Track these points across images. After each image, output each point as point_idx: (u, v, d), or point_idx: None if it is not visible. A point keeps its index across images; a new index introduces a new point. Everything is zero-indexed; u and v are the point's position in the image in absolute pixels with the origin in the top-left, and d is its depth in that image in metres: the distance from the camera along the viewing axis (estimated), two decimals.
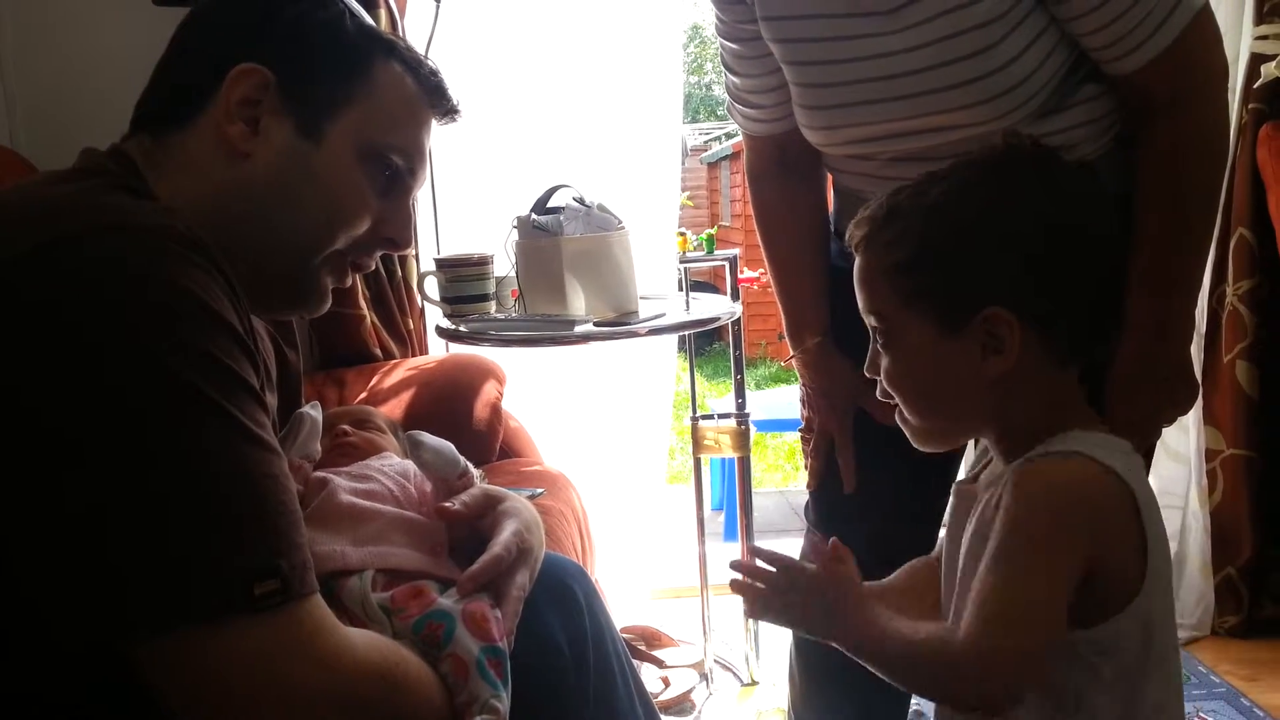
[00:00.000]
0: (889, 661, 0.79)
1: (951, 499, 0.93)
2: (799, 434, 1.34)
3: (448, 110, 0.93)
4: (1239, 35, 2.05)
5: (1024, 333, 0.81)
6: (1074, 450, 0.81)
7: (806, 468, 1.33)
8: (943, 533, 0.95)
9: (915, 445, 0.91)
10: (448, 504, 0.92)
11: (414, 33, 1.97)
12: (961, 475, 0.99)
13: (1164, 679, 0.83)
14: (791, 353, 1.29)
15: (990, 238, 0.82)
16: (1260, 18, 2.02)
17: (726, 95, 1.27)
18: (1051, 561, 0.77)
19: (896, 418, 0.91)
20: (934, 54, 1.02)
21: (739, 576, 0.84)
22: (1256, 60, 2.02)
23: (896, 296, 0.85)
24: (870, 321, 0.89)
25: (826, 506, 1.31)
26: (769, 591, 0.82)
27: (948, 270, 0.83)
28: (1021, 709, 0.79)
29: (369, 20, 0.90)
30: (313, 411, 1.00)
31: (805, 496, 1.34)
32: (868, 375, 0.91)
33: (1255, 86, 2.02)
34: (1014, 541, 0.77)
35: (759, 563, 0.84)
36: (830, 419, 1.26)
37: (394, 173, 0.88)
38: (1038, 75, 1.03)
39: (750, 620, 2.05)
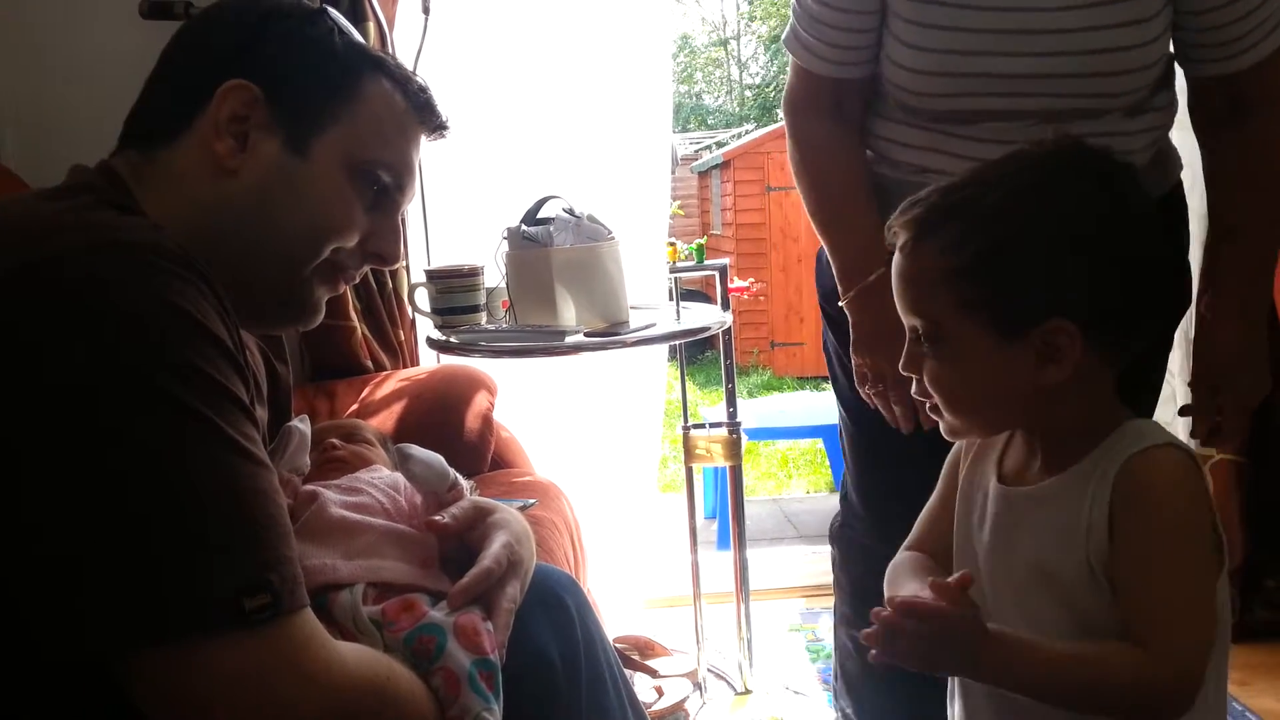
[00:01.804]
0: (1043, 686, 0.78)
1: (994, 501, 0.91)
2: (865, 391, 1.25)
3: (436, 126, 0.93)
4: None
5: (1084, 342, 0.81)
6: (1164, 441, 0.81)
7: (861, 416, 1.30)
8: (970, 530, 0.93)
9: (948, 437, 0.91)
10: (438, 517, 0.92)
11: (403, 46, 1.97)
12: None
13: (1224, 642, 0.85)
14: (845, 296, 1.24)
15: (1056, 247, 0.80)
16: None
17: (793, 28, 1.20)
18: (1204, 553, 0.78)
19: (928, 411, 0.91)
20: (1086, 16, 1.04)
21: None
22: None
23: (952, 302, 0.83)
24: (914, 323, 0.86)
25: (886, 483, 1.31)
26: (910, 639, 0.78)
27: (1010, 279, 0.81)
28: None
29: (358, 37, 0.90)
30: (301, 425, 1.00)
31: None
32: (904, 373, 0.90)
33: None
34: (1171, 546, 0.78)
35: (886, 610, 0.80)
36: (892, 361, 1.19)
37: (382, 189, 0.89)
38: (1156, 67, 1.08)
39: (743, 628, 2.05)
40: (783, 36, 1.24)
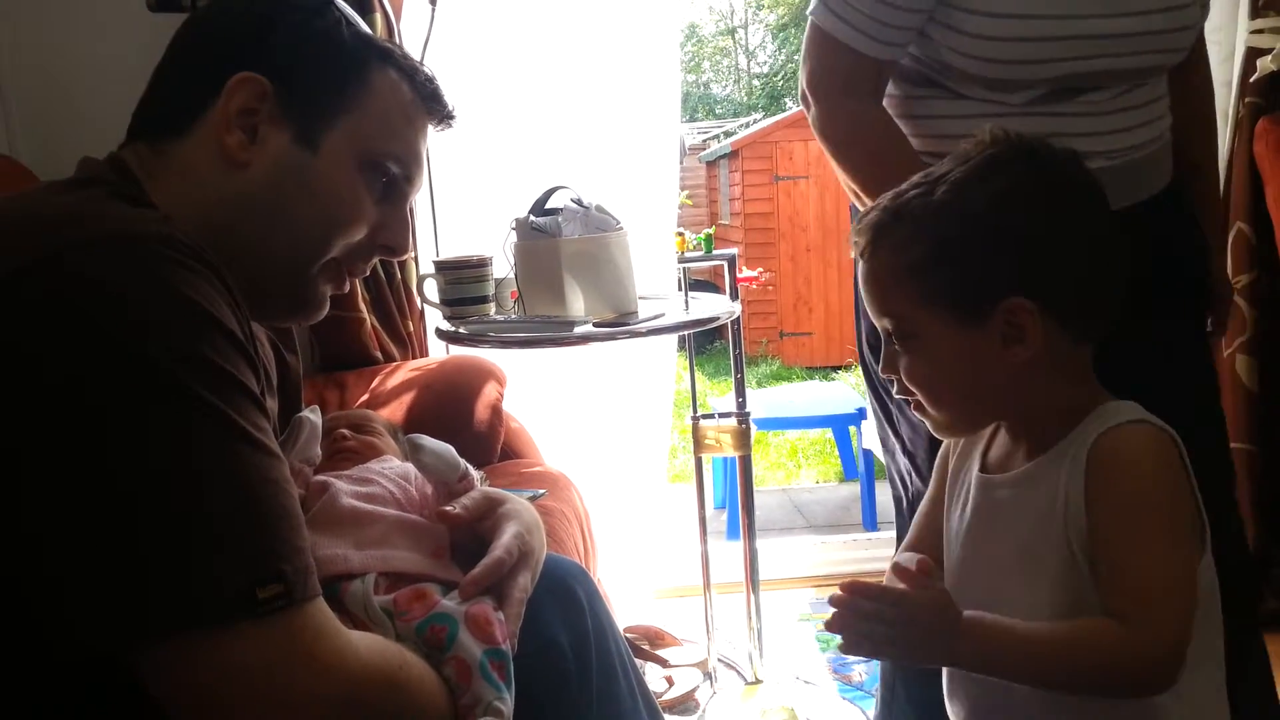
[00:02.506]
0: (1025, 668, 0.78)
1: (975, 491, 0.92)
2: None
3: (444, 116, 0.93)
4: (1235, 29, 2.06)
5: (1044, 318, 0.83)
6: (1136, 418, 0.83)
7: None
8: (953, 523, 0.95)
9: (937, 434, 0.94)
10: (448, 508, 0.92)
11: (410, 36, 1.97)
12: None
13: (1215, 623, 0.86)
14: None
15: (1000, 228, 0.84)
16: (1256, 11, 2.02)
17: (833, 10, 1.16)
18: (1177, 524, 0.79)
19: (914, 410, 0.93)
20: None
21: (828, 612, 0.82)
22: (1253, 54, 2.02)
23: (913, 297, 0.87)
24: (884, 324, 0.90)
25: None
26: (862, 625, 0.79)
27: (962, 266, 0.84)
28: None
29: (365, 28, 0.91)
30: (312, 416, 1.00)
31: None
32: (883, 375, 0.93)
33: (1251, 81, 2.02)
34: (1140, 516, 0.79)
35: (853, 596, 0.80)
36: None
37: (391, 180, 0.89)
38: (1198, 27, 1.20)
39: (753, 618, 2.05)
40: (814, 18, 1.19)
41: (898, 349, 0.90)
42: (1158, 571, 0.77)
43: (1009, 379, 0.86)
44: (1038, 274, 0.83)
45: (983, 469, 0.93)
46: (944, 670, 0.94)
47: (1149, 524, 0.79)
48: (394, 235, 0.91)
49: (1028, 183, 0.85)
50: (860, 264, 0.92)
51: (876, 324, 0.92)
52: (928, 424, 0.92)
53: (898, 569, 0.83)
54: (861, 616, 0.79)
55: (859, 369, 1.39)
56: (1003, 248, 0.83)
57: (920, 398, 0.90)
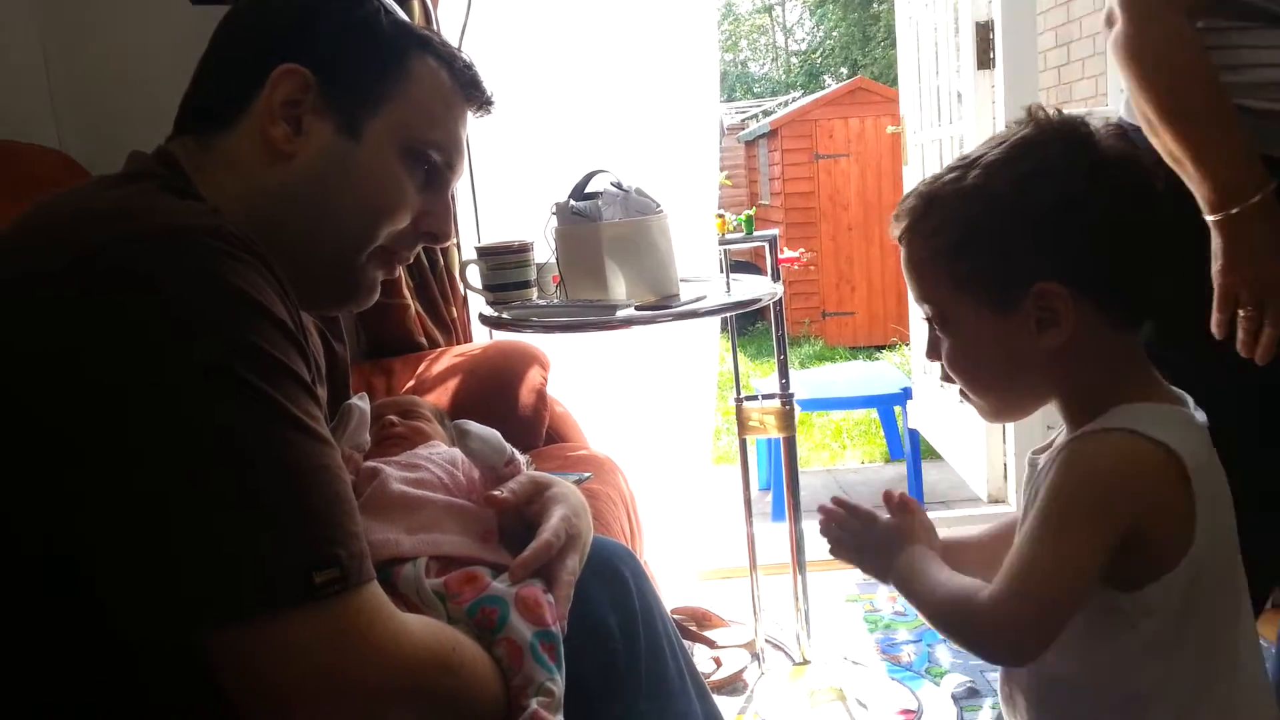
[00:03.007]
0: (923, 605, 0.87)
1: (1027, 469, 0.94)
2: (1222, 317, 1.11)
3: (483, 102, 0.94)
4: None
5: (1077, 302, 0.82)
6: (1123, 426, 0.81)
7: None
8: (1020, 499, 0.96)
9: (987, 420, 0.95)
10: (496, 492, 0.93)
11: (447, 22, 1.98)
12: None
13: (1211, 643, 0.84)
14: (1222, 210, 1.08)
15: (1029, 212, 0.83)
16: None
17: None
18: (1082, 536, 0.79)
19: (961, 396, 0.93)
20: None
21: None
22: None
23: (948, 282, 0.87)
24: (924, 310, 0.91)
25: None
26: (844, 534, 0.95)
27: (993, 250, 0.84)
28: (1064, 661, 0.83)
29: (403, 16, 0.91)
30: (360, 403, 1.02)
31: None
32: (928, 359, 0.93)
33: None
34: (1051, 512, 0.80)
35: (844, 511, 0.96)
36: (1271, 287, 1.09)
37: (433, 167, 0.90)
38: None
39: (800, 599, 2.05)
40: None
41: (939, 335, 0.90)
42: (1040, 559, 0.79)
43: (1046, 364, 0.85)
44: (1065, 258, 0.82)
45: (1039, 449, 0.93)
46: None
47: (1053, 524, 0.80)
48: (437, 222, 0.92)
49: (1057, 164, 0.83)
50: (901, 250, 0.92)
51: (919, 309, 0.92)
52: (976, 409, 0.93)
53: (886, 495, 0.96)
54: (839, 524, 0.96)
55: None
56: (1029, 232, 0.82)
57: (960, 383, 0.91)
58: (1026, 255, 0.83)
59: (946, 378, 0.91)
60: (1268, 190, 1.07)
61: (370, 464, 0.97)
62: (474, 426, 0.98)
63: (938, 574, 0.87)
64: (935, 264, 0.87)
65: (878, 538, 0.93)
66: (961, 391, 0.92)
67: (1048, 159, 0.84)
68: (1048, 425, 2.61)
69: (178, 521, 0.65)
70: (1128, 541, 0.79)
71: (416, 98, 0.87)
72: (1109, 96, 3.57)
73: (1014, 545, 0.82)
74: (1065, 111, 0.87)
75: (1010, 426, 2.73)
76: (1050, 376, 0.87)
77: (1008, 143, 0.86)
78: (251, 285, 0.70)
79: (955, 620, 0.84)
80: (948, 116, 3.01)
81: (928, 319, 0.91)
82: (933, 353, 0.92)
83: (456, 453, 1.01)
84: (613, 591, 0.97)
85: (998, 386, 0.90)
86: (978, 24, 2.68)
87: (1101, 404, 0.84)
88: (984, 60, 2.68)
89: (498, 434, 0.99)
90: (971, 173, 0.85)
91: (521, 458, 1.01)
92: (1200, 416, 0.87)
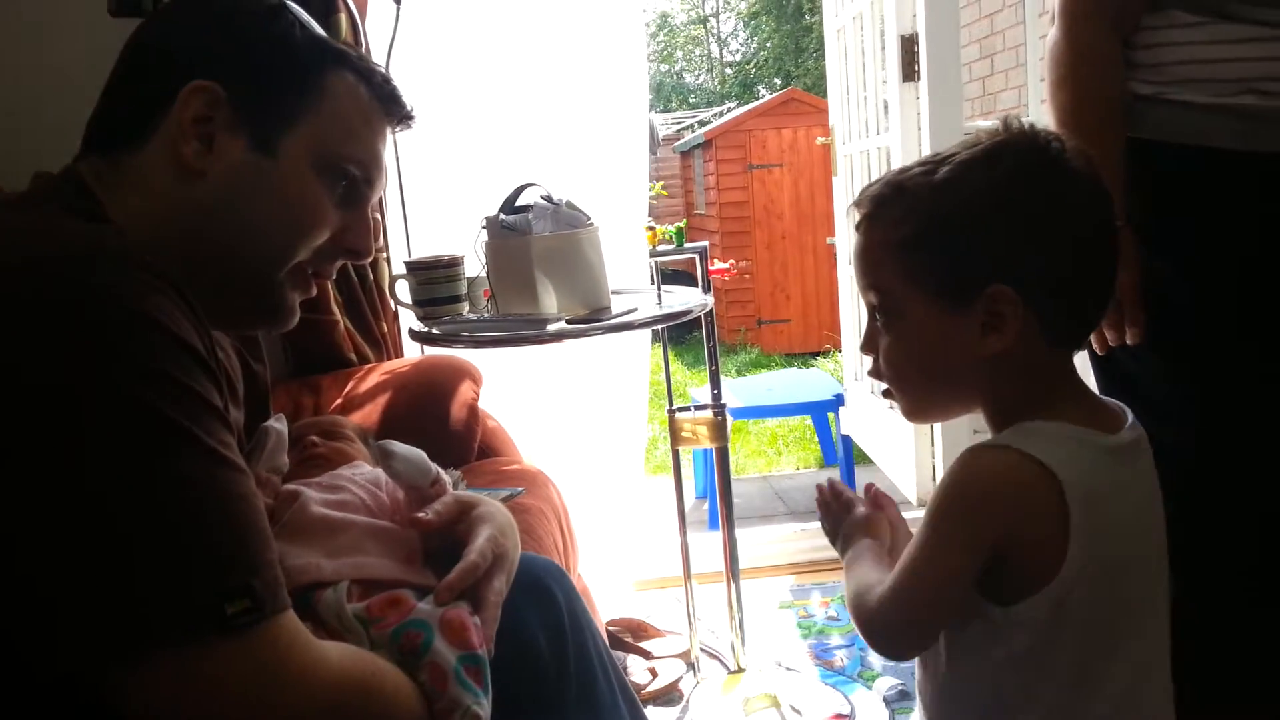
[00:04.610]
0: (846, 595, 0.92)
1: None
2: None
3: (402, 117, 0.93)
4: None
5: (1024, 311, 0.83)
6: (1006, 444, 0.83)
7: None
8: None
9: (906, 418, 0.96)
10: (421, 514, 0.92)
11: (375, 36, 1.96)
12: None
13: (1080, 669, 0.84)
14: None
15: (994, 214, 0.83)
16: None
17: None
18: (951, 543, 0.83)
19: (883, 395, 0.94)
20: None
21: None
22: None
23: (900, 273, 0.86)
24: (869, 298, 0.90)
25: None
26: (825, 514, 1.04)
27: (953, 247, 0.84)
28: (952, 664, 0.88)
29: (319, 31, 0.90)
30: (278, 425, 1.00)
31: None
32: (863, 353, 0.93)
33: None
34: (928, 519, 0.84)
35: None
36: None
37: (351, 183, 0.88)
38: None
39: (734, 607, 2.06)
40: None
41: (880, 326, 0.90)
42: (915, 563, 0.84)
43: (975, 369, 0.86)
44: (1024, 266, 0.83)
45: None
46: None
47: (927, 534, 0.84)
48: (357, 238, 0.91)
49: (1031, 173, 0.84)
50: (855, 236, 0.91)
51: (862, 297, 0.92)
52: (899, 405, 0.93)
53: (866, 488, 1.05)
54: (822, 506, 1.04)
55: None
56: (994, 234, 0.83)
57: (888, 378, 0.91)
58: (988, 256, 0.83)
59: (876, 373, 0.92)
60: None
61: (290, 486, 0.95)
62: (398, 447, 0.97)
63: (863, 569, 0.92)
64: (892, 252, 0.87)
65: (848, 525, 0.99)
66: (886, 391, 0.93)
67: (1025, 166, 0.85)
68: (974, 430, 2.67)
69: (83, 554, 0.63)
70: (1000, 554, 0.81)
71: (333, 113, 0.86)
72: (1030, 107, 3.66)
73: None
74: (1037, 128, 0.88)
75: (939, 432, 2.78)
76: (980, 383, 0.88)
77: (984, 145, 0.86)
78: (162, 311, 0.68)
79: (858, 614, 0.89)
80: (875, 128, 3.07)
81: (871, 308, 0.91)
82: (869, 346, 0.92)
83: (380, 473, 1.00)
84: (541, 609, 0.96)
85: (927, 385, 0.90)
86: (903, 37, 2.73)
87: (1015, 417, 0.86)
88: (909, 73, 2.73)
89: (423, 454, 0.98)
90: (943, 168, 0.85)
91: (448, 476, 1.00)
92: (1129, 436, 0.87)
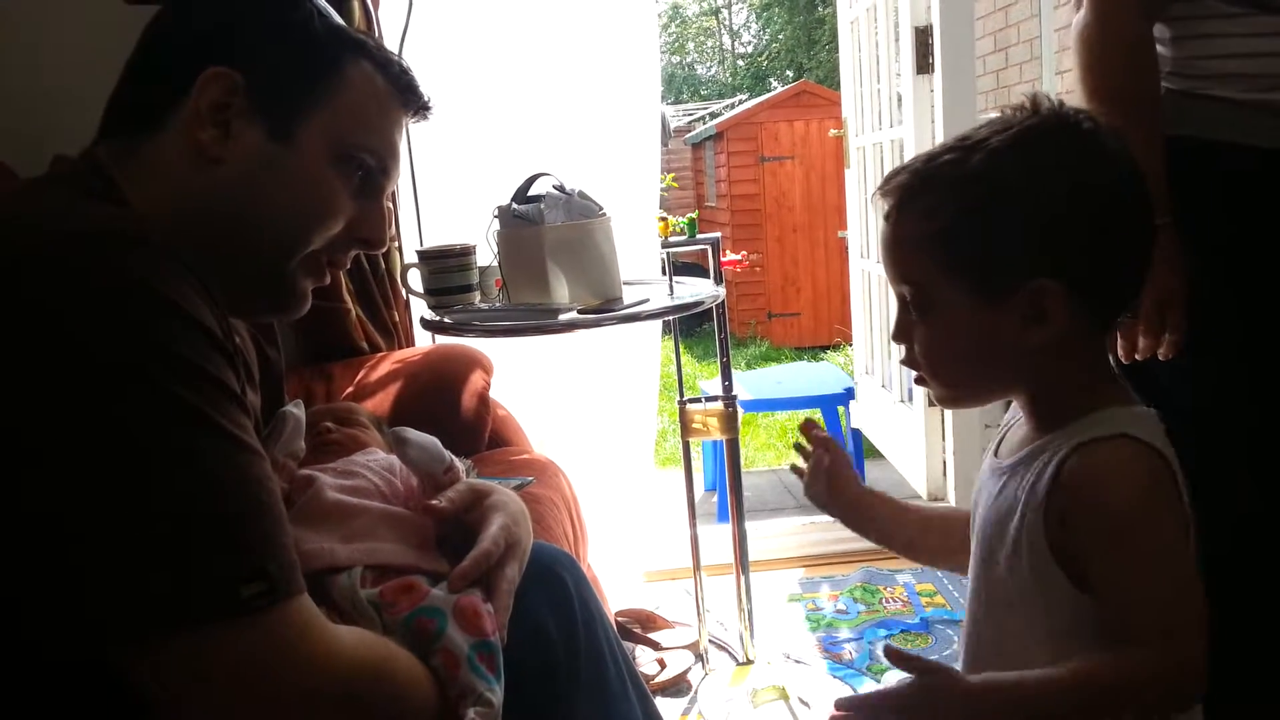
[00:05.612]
0: (1049, 712, 0.77)
1: (982, 474, 0.92)
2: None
3: (419, 107, 0.93)
4: None
5: (1069, 301, 0.80)
6: (1119, 432, 0.80)
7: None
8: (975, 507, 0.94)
9: (941, 406, 0.93)
10: (434, 501, 0.92)
11: (389, 24, 1.96)
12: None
13: None
14: None
15: (1034, 204, 0.80)
16: None
17: None
18: (1175, 543, 0.77)
19: (915, 381, 0.91)
20: None
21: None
22: None
23: (934, 266, 0.83)
24: (903, 291, 0.87)
25: None
26: (809, 466, 1.01)
27: (992, 239, 0.81)
28: (1039, 659, 0.80)
29: (338, 20, 0.90)
30: (295, 410, 1.00)
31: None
32: (895, 342, 0.90)
33: None
34: (1137, 539, 0.77)
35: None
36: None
37: (367, 172, 0.88)
38: None
39: (743, 599, 2.07)
40: None
41: (913, 318, 0.87)
42: (1167, 591, 0.76)
43: (1020, 360, 0.84)
44: (1065, 255, 0.80)
45: (996, 453, 0.92)
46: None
47: (1144, 547, 0.77)
48: (371, 228, 0.91)
49: (1066, 158, 0.81)
50: (883, 226, 0.88)
51: (894, 289, 0.88)
52: (933, 394, 0.90)
53: (804, 426, 1.06)
54: (803, 454, 0.97)
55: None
56: (1032, 225, 0.80)
57: (925, 369, 0.88)
58: (1028, 249, 0.80)
59: (910, 362, 0.89)
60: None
61: (305, 472, 0.96)
62: (412, 434, 0.97)
63: (1035, 677, 0.78)
64: (925, 245, 0.83)
65: (928, 702, 0.80)
66: (920, 378, 0.89)
67: (1059, 152, 0.81)
68: (985, 424, 2.67)
69: (103, 535, 0.63)
70: None
71: (350, 102, 0.86)
72: None
73: (1107, 591, 0.78)
74: (1067, 106, 0.85)
75: (949, 427, 2.77)
76: (1025, 373, 0.85)
77: (1014, 130, 0.82)
78: (179, 294, 0.68)
79: (1113, 699, 0.76)
80: (888, 120, 3.06)
81: (902, 300, 0.87)
82: (901, 335, 0.88)
83: (394, 459, 1.00)
84: (552, 597, 0.96)
85: (968, 376, 0.87)
86: (917, 29, 2.72)
87: (1073, 405, 0.83)
88: (923, 65, 2.72)
89: (437, 441, 0.98)
90: (975, 156, 0.82)
91: (461, 464, 1.01)
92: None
